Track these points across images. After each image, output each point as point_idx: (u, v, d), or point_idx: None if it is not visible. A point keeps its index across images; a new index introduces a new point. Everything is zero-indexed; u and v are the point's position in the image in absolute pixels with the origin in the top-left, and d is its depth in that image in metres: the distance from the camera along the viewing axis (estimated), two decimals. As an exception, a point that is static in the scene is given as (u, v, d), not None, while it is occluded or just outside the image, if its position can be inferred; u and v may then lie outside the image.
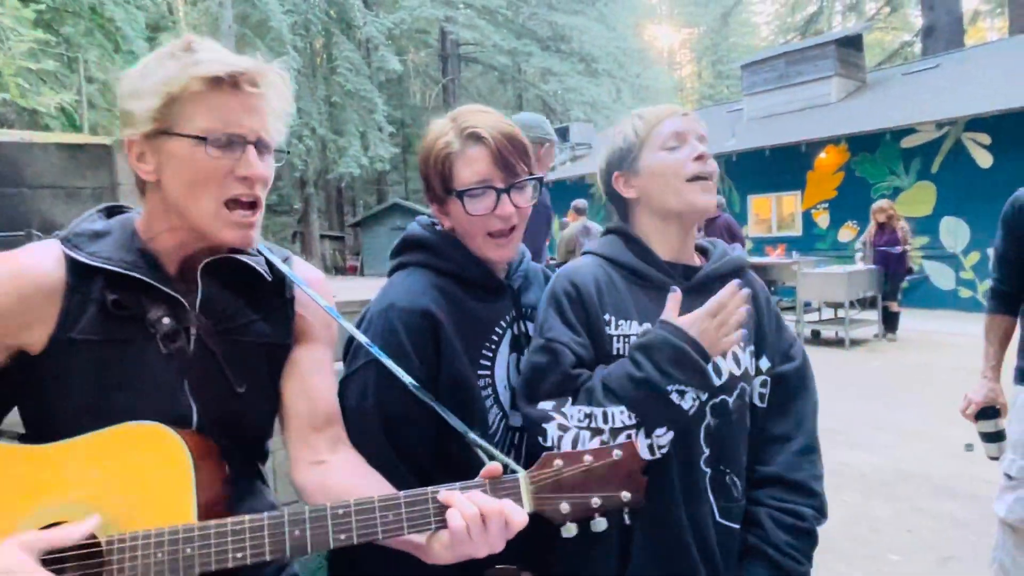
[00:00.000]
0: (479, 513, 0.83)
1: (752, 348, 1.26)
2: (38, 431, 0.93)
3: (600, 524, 0.88)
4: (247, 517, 0.82)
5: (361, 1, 25.52)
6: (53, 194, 2.33)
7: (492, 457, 0.97)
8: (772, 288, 8.97)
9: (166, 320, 0.94)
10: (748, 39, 42.02)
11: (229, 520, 0.82)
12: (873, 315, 8.94)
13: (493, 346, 1.22)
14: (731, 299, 1.09)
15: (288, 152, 1.06)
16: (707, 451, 1.18)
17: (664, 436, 1.10)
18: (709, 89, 43.13)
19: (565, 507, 0.86)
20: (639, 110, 1.31)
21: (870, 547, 3.19)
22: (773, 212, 13.92)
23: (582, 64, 29.84)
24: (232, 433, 1.00)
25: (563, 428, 1.08)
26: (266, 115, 0.95)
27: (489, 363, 1.21)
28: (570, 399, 1.12)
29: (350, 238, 31.90)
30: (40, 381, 0.92)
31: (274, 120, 0.97)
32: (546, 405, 1.12)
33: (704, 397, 1.14)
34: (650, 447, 1.09)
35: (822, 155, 12.70)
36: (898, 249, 8.54)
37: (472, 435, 1.02)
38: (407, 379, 1.04)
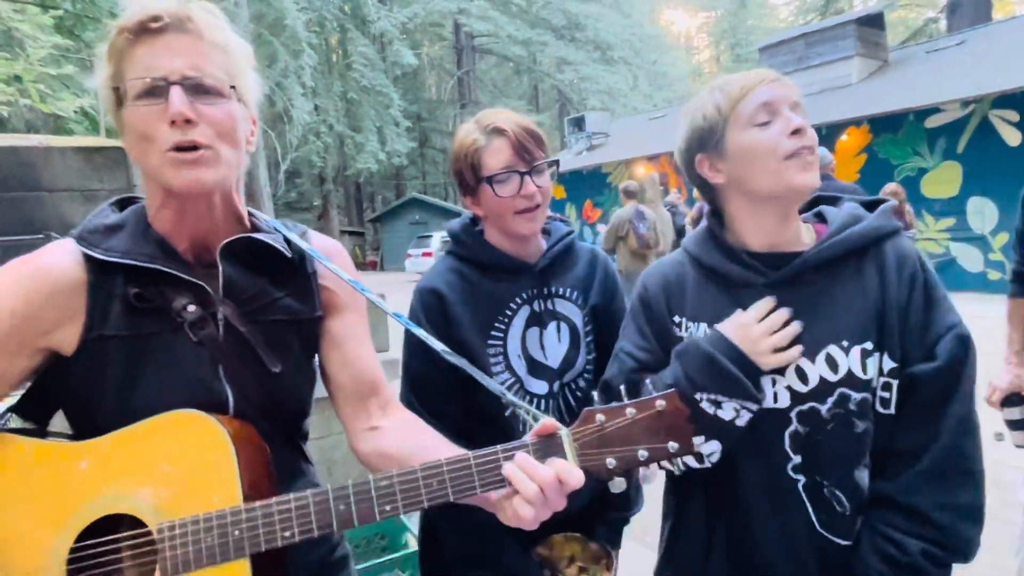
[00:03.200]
0: (539, 489, 0.82)
1: (868, 345, 1.04)
2: (82, 430, 0.93)
3: (650, 476, 0.87)
4: (292, 496, 0.82)
5: (374, -4, 25.56)
6: (71, 197, 2.37)
7: (534, 417, 0.94)
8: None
9: (191, 308, 0.93)
10: (766, 21, 41.38)
11: (274, 500, 0.82)
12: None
13: (505, 319, 1.40)
14: (769, 308, 1.04)
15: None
16: (796, 458, 1.07)
17: (706, 445, 1.05)
18: (728, 73, 42.47)
19: (611, 462, 0.84)
20: (720, 80, 1.15)
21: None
22: (794, 197, 13.68)
23: (597, 52, 29.61)
24: (270, 415, 0.99)
25: None
26: (194, 54, 0.89)
27: (501, 334, 1.39)
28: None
29: (369, 233, 32.15)
30: (77, 381, 0.91)
31: (212, 58, 0.91)
32: None
33: (753, 408, 1.04)
34: (695, 455, 1.06)
35: (844, 137, 12.45)
36: (911, 232, 8.85)
37: (510, 395, 1.04)
38: (439, 346, 1.09)
